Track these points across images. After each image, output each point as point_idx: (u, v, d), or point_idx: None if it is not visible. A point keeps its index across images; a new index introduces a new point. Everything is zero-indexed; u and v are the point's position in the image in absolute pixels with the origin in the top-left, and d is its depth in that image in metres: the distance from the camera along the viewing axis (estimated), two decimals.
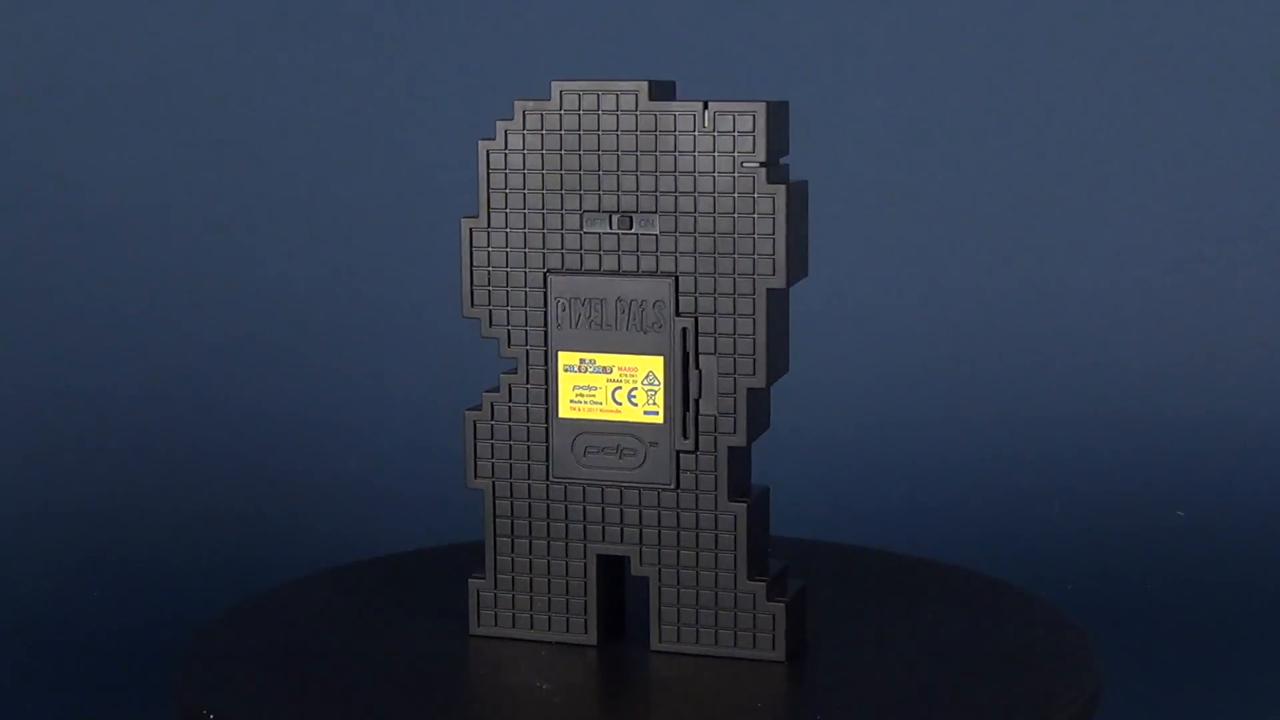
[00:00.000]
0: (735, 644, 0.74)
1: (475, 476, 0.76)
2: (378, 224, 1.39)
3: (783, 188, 0.72)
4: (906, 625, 0.79)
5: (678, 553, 0.75)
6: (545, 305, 0.74)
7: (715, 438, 0.73)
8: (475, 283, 0.75)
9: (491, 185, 0.74)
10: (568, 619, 0.76)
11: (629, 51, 1.40)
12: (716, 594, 0.74)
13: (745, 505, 0.74)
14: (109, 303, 1.35)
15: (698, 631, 0.75)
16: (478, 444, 0.76)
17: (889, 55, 1.44)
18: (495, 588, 0.77)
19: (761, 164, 0.72)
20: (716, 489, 0.74)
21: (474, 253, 0.75)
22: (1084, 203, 1.45)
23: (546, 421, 0.75)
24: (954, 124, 1.44)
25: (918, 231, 1.43)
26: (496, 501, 0.76)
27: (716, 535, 0.74)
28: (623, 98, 0.73)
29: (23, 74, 1.36)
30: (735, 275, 0.72)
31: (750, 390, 0.73)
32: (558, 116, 0.73)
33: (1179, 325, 1.43)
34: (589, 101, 0.73)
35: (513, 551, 0.76)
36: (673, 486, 0.74)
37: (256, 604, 0.85)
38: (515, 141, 0.74)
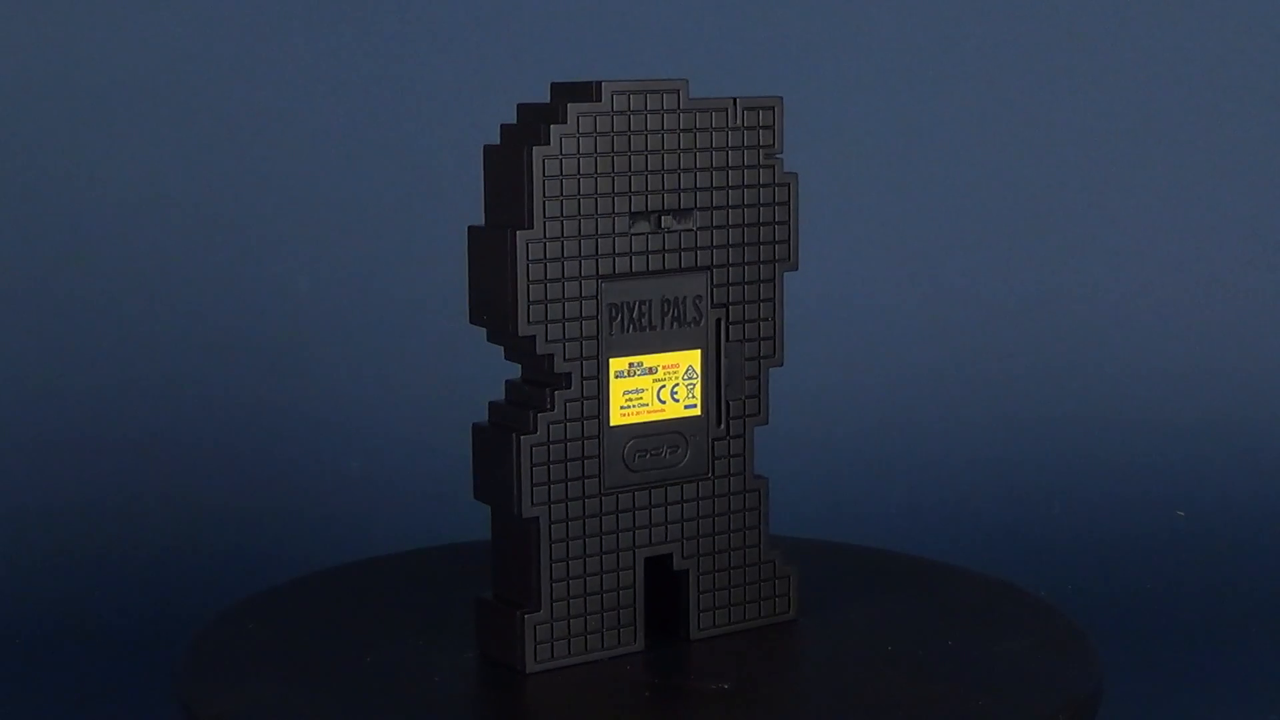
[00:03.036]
0: (760, 614, 0.78)
1: (533, 504, 0.72)
2: (379, 224, 1.39)
3: (795, 175, 0.76)
4: (907, 625, 0.80)
5: (714, 539, 0.76)
6: (598, 313, 0.72)
7: (744, 420, 0.76)
8: (532, 298, 0.71)
9: (547, 193, 0.71)
10: (619, 631, 0.75)
11: (628, 51, 1.40)
12: (745, 570, 0.77)
13: (766, 479, 0.77)
14: (109, 301, 1.35)
15: (730, 611, 0.77)
16: (534, 469, 0.72)
17: (889, 55, 1.44)
18: (552, 617, 0.73)
19: (779, 155, 0.75)
20: (745, 469, 0.77)
21: (530, 266, 0.71)
22: (1085, 204, 1.45)
23: (599, 433, 0.73)
24: (954, 125, 1.44)
25: (918, 232, 1.43)
26: (553, 526, 0.73)
27: (745, 514, 0.77)
28: (666, 97, 0.73)
29: (23, 74, 1.36)
30: (760, 263, 0.76)
31: (771, 371, 0.76)
32: (610, 118, 0.72)
33: (1179, 325, 1.43)
34: (636, 101, 0.72)
35: (569, 575, 0.73)
36: (709, 475, 0.76)
37: (257, 603, 0.84)
38: (570, 146, 0.71)
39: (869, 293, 1.41)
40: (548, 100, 0.73)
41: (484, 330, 0.73)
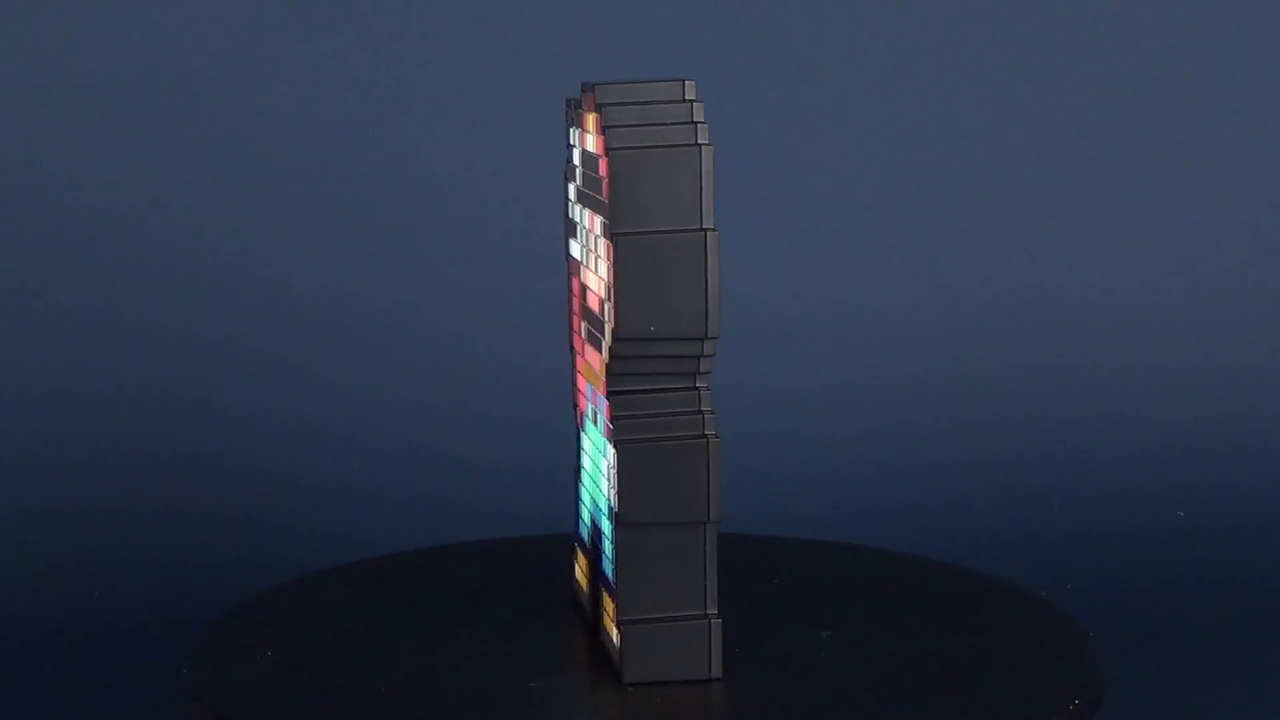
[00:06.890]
0: None
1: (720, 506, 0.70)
2: (379, 224, 1.39)
3: None
4: (907, 624, 0.80)
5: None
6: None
7: None
8: (719, 299, 0.69)
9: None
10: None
11: (628, 51, 1.40)
12: None
13: None
14: (109, 303, 1.35)
15: None
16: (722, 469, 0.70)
17: (889, 54, 1.44)
18: (719, 619, 0.71)
19: None
20: None
21: (719, 267, 0.69)
22: (1084, 203, 1.45)
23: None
24: (954, 124, 1.44)
25: (917, 232, 1.43)
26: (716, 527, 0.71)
27: None
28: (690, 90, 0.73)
29: (23, 74, 1.36)
30: None
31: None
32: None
33: (1179, 325, 1.43)
34: (691, 93, 0.72)
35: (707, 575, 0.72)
36: None
37: (257, 604, 0.85)
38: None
39: (868, 292, 1.41)
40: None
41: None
